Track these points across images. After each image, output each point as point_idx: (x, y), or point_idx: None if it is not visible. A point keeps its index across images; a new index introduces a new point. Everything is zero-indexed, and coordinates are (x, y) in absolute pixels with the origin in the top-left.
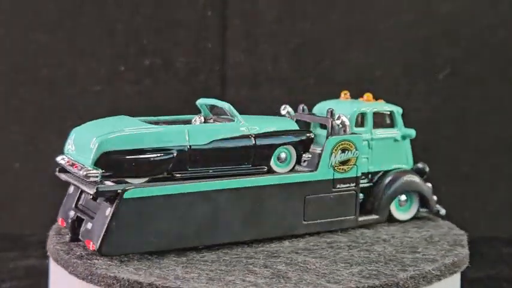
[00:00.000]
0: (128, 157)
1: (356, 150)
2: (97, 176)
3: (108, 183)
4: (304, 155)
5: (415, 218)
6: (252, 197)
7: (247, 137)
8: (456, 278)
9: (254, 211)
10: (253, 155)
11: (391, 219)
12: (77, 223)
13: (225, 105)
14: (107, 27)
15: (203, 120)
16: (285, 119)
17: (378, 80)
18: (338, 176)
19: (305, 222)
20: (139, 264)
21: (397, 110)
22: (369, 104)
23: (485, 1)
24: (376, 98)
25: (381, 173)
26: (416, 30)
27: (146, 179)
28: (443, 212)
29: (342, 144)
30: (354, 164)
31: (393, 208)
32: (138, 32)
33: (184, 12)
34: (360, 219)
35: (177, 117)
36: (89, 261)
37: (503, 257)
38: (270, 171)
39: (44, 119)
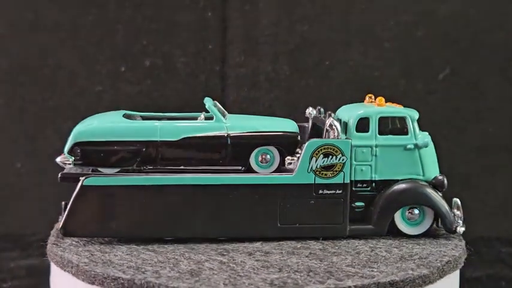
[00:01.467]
0: (96, 148)
1: (343, 155)
2: (70, 163)
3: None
4: (288, 157)
5: (430, 234)
6: (215, 195)
7: (221, 136)
8: (455, 278)
9: (219, 209)
10: (228, 155)
11: (400, 233)
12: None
13: (206, 103)
14: (108, 28)
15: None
16: (285, 121)
17: (377, 80)
18: (320, 181)
19: (280, 226)
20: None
21: (411, 116)
22: (375, 109)
23: (483, 2)
24: (390, 101)
25: (388, 183)
26: (415, 31)
27: (117, 170)
28: (460, 230)
29: (323, 148)
30: (341, 170)
31: (398, 221)
32: (138, 32)
33: (184, 12)
34: (351, 228)
35: (184, 114)
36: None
37: (502, 256)
38: (250, 171)
39: (45, 119)
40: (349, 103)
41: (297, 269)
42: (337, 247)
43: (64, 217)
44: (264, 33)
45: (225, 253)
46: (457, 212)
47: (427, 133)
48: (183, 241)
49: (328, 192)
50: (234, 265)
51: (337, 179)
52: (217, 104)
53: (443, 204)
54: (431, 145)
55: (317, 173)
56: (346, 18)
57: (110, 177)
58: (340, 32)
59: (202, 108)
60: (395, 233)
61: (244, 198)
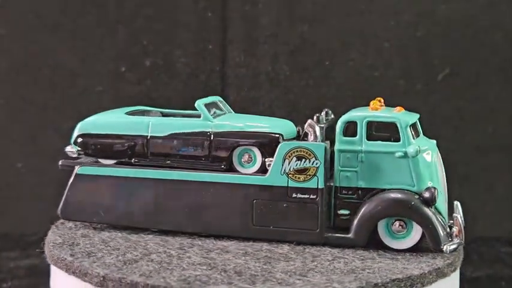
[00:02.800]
0: (95, 140)
1: (316, 159)
2: (73, 153)
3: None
4: (268, 158)
5: (419, 249)
6: (194, 191)
7: (205, 133)
8: (455, 278)
9: (197, 205)
10: (211, 152)
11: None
12: None
13: (196, 104)
14: (108, 28)
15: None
16: (280, 121)
17: (377, 80)
18: (294, 184)
19: (254, 227)
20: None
21: (402, 122)
22: (364, 113)
23: (483, 2)
24: (393, 105)
25: (375, 191)
26: (415, 31)
27: (114, 161)
28: (448, 249)
29: (296, 151)
30: (314, 175)
31: (382, 233)
32: (139, 32)
33: (184, 13)
34: (329, 235)
35: (197, 112)
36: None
37: (502, 256)
38: (233, 170)
39: (46, 119)
40: (349, 103)
41: (227, 268)
42: (301, 253)
43: (62, 202)
44: (264, 33)
45: (184, 247)
46: (454, 228)
47: (434, 141)
48: (167, 233)
49: (302, 196)
50: (176, 259)
51: (311, 184)
52: (223, 102)
53: (431, 219)
54: (428, 154)
55: (290, 176)
56: (346, 18)
57: (99, 168)
58: (340, 32)
59: None
60: (379, 245)
61: (221, 196)
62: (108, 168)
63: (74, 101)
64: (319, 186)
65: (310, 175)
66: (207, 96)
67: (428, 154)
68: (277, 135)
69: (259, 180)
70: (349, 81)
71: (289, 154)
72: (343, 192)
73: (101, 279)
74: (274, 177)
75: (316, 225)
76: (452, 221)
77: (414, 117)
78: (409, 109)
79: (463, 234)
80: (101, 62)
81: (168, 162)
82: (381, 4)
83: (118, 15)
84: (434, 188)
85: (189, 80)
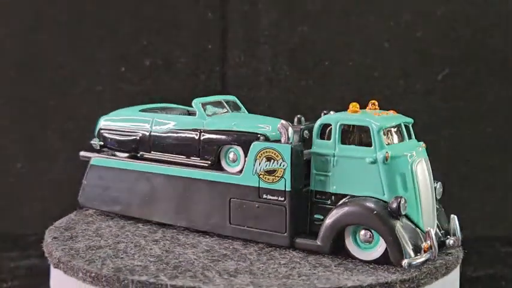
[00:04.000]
0: (107, 134)
1: (283, 161)
2: (96, 146)
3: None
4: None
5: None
6: (181, 187)
7: (196, 131)
8: (455, 278)
9: (184, 200)
10: (199, 149)
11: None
12: None
13: (193, 103)
14: (108, 28)
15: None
16: (274, 120)
17: (377, 80)
18: (264, 185)
19: (230, 225)
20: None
21: (375, 126)
22: (339, 116)
23: (482, 2)
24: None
25: (346, 197)
26: (414, 31)
27: (126, 154)
28: (407, 263)
29: (265, 151)
30: (282, 177)
31: (348, 241)
32: (139, 32)
33: (184, 13)
34: (297, 240)
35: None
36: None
37: (502, 256)
38: (220, 168)
39: (46, 119)
40: (349, 103)
41: (172, 262)
42: (262, 255)
43: (80, 190)
44: (264, 33)
45: (159, 239)
46: (424, 243)
47: (422, 147)
48: (165, 226)
49: (271, 198)
50: (137, 249)
51: (279, 185)
52: (231, 101)
53: (393, 230)
54: (405, 161)
55: (261, 176)
56: (346, 18)
57: (107, 160)
58: (340, 32)
59: None
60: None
61: (202, 193)
62: (114, 160)
63: (74, 101)
64: (286, 189)
65: (278, 176)
66: (207, 95)
67: (405, 161)
68: (259, 135)
69: (234, 179)
70: (349, 81)
71: (260, 154)
72: (317, 196)
73: (56, 260)
74: (247, 177)
75: (284, 228)
76: (449, 236)
77: (395, 121)
78: (409, 109)
79: (436, 249)
80: (101, 62)
81: (166, 157)
82: (381, 4)
83: (118, 15)
84: (401, 197)
85: (189, 80)
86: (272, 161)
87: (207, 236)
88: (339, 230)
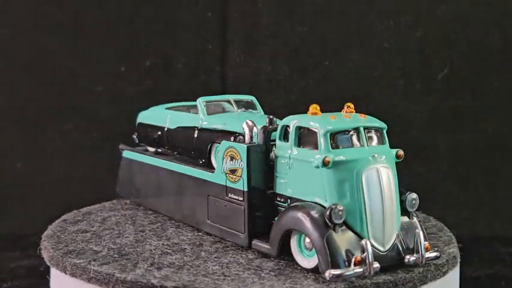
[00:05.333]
0: (141, 129)
1: (241, 161)
2: (135, 140)
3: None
4: None
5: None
6: (177, 182)
7: (193, 129)
8: (455, 278)
9: (179, 195)
10: (196, 147)
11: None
12: None
13: (197, 101)
14: (108, 28)
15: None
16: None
17: (377, 80)
18: (229, 184)
19: (208, 222)
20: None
21: (324, 129)
22: (297, 117)
23: (483, 2)
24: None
25: (297, 202)
26: (414, 31)
27: (153, 148)
28: (330, 275)
29: (229, 150)
30: (241, 176)
31: (293, 247)
32: (139, 32)
33: (184, 13)
34: (254, 242)
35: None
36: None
37: (502, 256)
38: (210, 166)
39: (46, 119)
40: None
41: (137, 252)
42: (217, 252)
43: (116, 181)
44: (264, 33)
45: (151, 231)
46: (356, 256)
47: (395, 151)
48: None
49: (234, 197)
50: (119, 237)
51: (239, 185)
52: (253, 101)
53: (322, 238)
54: (348, 167)
55: (227, 175)
56: (346, 18)
57: (132, 152)
58: (340, 32)
59: None
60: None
61: (190, 189)
62: (136, 153)
63: (74, 101)
64: (244, 189)
65: (238, 176)
66: (207, 95)
67: (352, 167)
68: (237, 134)
69: (210, 176)
70: (349, 81)
71: (226, 153)
72: (278, 199)
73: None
74: (218, 176)
75: (243, 228)
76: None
77: (351, 125)
78: (409, 109)
79: (370, 263)
80: (101, 62)
81: (176, 152)
82: (381, 4)
83: (118, 15)
84: (337, 205)
85: (189, 80)
86: (234, 160)
87: (196, 231)
88: (283, 235)
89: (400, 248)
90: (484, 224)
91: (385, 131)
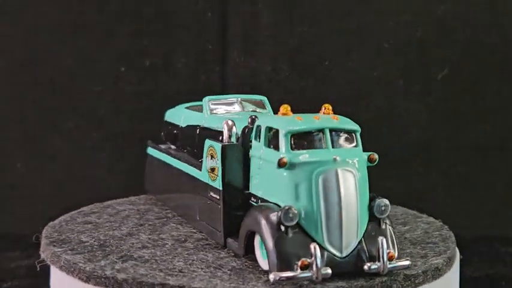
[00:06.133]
0: (164, 127)
1: (217, 159)
2: (162, 137)
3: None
4: None
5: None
6: (179, 179)
7: (196, 127)
8: (455, 278)
9: (179, 192)
10: (197, 145)
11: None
12: None
13: (203, 100)
14: (108, 28)
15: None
16: None
17: (377, 80)
18: (210, 182)
19: (197, 219)
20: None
21: (285, 129)
22: (267, 117)
23: (481, 2)
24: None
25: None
26: (414, 31)
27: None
28: (274, 277)
29: (210, 149)
30: (217, 175)
31: (256, 248)
32: (138, 32)
33: (184, 13)
34: (228, 241)
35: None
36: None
37: (502, 256)
38: None
39: (45, 119)
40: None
41: (122, 248)
42: (194, 250)
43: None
44: (264, 33)
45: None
46: (302, 259)
47: (366, 154)
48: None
49: (213, 195)
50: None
51: (217, 184)
52: (263, 101)
53: (271, 240)
54: (306, 169)
55: (209, 173)
56: (345, 18)
57: (151, 148)
58: (340, 32)
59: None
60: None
61: (187, 186)
62: (154, 150)
63: (74, 101)
64: (219, 187)
65: (216, 175)
66: (206, 96)
67: (310, 169)
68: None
69: (197, 174)
70: (349, 81)
71: (208, 152)
72: (252, 199)
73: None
74: (203, 174)
75: (220, 227)
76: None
77: (315, 126)
78: (409, 109)
79: (318, 268)
80: (100, 62)
81: (184, 150)
82: (381, 4)
83: (118, 15)
84: (290, 207)
85: (189, 80)
86: (213, 159)
87: (191, 228)
88: (247, 235)
89: (362, 255)
90: (485, 224)
91: (358, 134)
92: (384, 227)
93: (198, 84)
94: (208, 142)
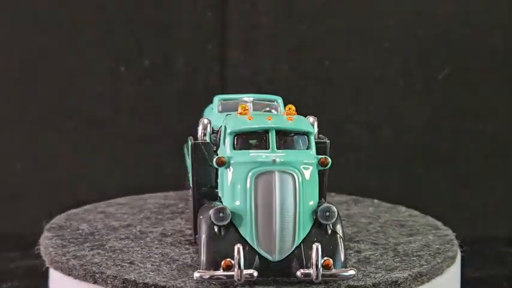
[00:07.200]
0: None
1: (190, 157)
2: None
3: None
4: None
5: None
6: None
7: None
8: (456, 278)
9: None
10: None
11: None
12: None
13: (214, 99)
14: (107, 28)
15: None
16: None
17: (377, 80)
18: (188, 180)
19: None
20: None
21: (229, 129)
22: (227, 117)
23: (483, 2)
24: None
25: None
26: (415, 30)
27: None
28: (196, 274)
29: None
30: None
31: None
32: (138, 32)
33: (184, 12)
34: (196, 237)
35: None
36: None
37: (503, 256)
38: None
39: (45, 119)
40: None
41: (100, 233)
42: (173, 246)
43: None
44: (264, 33)
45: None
46: (225, 260)
47: (318, 156)
48: None
49: (189, 193)
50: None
51: (190, 181)
52: (276, 101)
53: (200, 238)
54: (243, 170)
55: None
56: (346, 18)
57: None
58: (340, 32)
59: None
60: None
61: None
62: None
63: (73, 101)
64: (190, 185)
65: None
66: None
67: (246, 170)
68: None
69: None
70: (349, 81)
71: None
72: (218, 198)
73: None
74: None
75: (191, 223)
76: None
77: (261, 126)
78: (409, 109)
79: (240, 269)
80: (100, 62)
81: None
82: (381, 4)
83: (117, 15)
84: (219, 207)
85: (189, 80)
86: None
87: (190, 224)
88: (195, 234)
89: (298, 261)
90: (485, 224)
91: (311, 136)
92: (329, 233)
93: (198, 84)
94: (190, 140)
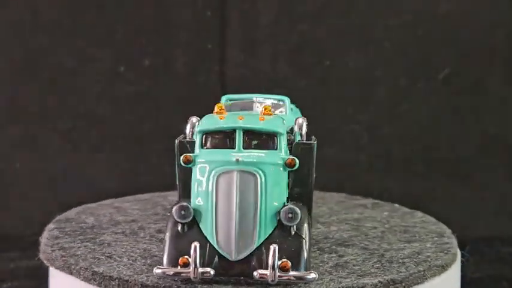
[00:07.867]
0: None
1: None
2: None
3: None
4: None
5: None
6: None
7: None
8: (456, 278)
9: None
10: None
11: None
12: None
13: (221, 98)
14: (107, 28)
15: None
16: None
17: (377, 80)
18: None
19: None
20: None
21: (201, 129)
22: (207, 116)
23: (483, 1)
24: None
25: None
26: (415, 30)
27: None
28: (156, 269)
29: None
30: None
31: None
32: (137, 32)
33: (183, 12)
34: None
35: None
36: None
37: (503, 256)
38: None
39: (45, 119)
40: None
41: (100, 227)
42: (153, 240)
43: None
44: (264, 33)
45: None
46: (182, 257)
47: (284, 157)
48: None
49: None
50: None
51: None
52: (283, 101)
53: (165, 235)
54: (206, 168)
55: None
56: (346, 18)
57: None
58: (340, 31)
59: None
60: None
61: None
62: None
63: (73, 101)
64: (177, 182)
65: None
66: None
67: (209, 169)
68: None
69: None
70: (349, 81)
71: None
72: None
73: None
74: None
75: None
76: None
77: (228, 126)
78: (409, 109)
79: (196, 268)
80: (100, 62)
81: None
82: (381, 3)
83: (117, 15)
84: (180, 204)
85: (189, 80)
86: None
87: None
88: None
89: (257, 262)
90: (485, 224)
91: (280, 137)
92: (292, 234)
93: (198, 84)
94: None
